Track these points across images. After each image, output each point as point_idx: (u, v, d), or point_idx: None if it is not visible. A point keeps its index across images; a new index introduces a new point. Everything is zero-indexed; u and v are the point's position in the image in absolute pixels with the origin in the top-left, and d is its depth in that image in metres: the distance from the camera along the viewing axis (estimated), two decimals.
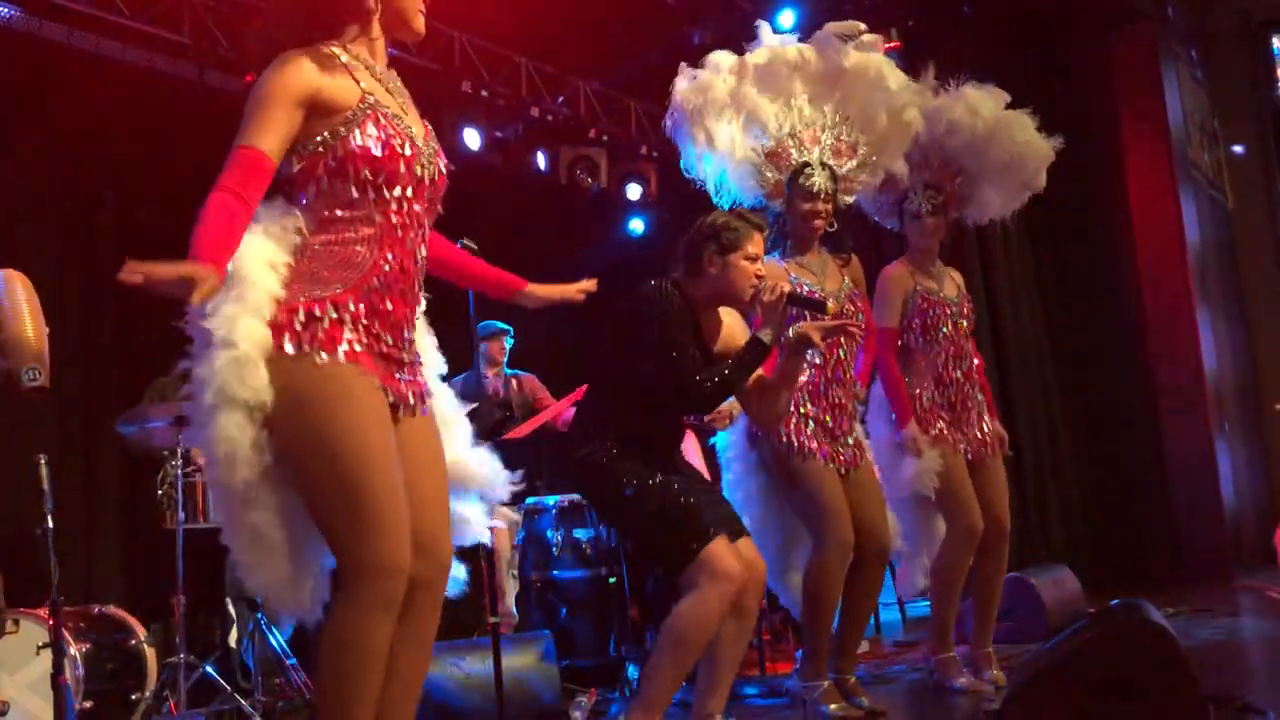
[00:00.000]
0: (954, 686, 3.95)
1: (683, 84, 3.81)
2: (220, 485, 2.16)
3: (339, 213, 2.23)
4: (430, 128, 2.41)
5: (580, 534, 4.52)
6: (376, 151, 2.21)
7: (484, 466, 2.56)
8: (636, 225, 8.23)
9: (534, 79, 7.05)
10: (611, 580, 4.42)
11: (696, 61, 3.86)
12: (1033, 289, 7.30)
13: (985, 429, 4.13)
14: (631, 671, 4.53)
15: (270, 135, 2.14)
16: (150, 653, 4.25)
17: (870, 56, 3.92)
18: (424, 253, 2.34)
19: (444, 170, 2.38)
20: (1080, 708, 2.90)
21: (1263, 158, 8.83)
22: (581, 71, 7.30)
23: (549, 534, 4.53)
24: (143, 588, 5.19)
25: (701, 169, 3.90)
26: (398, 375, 2.29)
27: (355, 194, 2.21)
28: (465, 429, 2.57)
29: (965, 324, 4.16)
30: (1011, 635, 5.08)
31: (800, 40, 3.95)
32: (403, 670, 2.28)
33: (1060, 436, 7.15)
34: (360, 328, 2.20)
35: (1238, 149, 8.72)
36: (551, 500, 4.55)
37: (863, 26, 4.00)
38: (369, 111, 2.22)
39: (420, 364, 2.40)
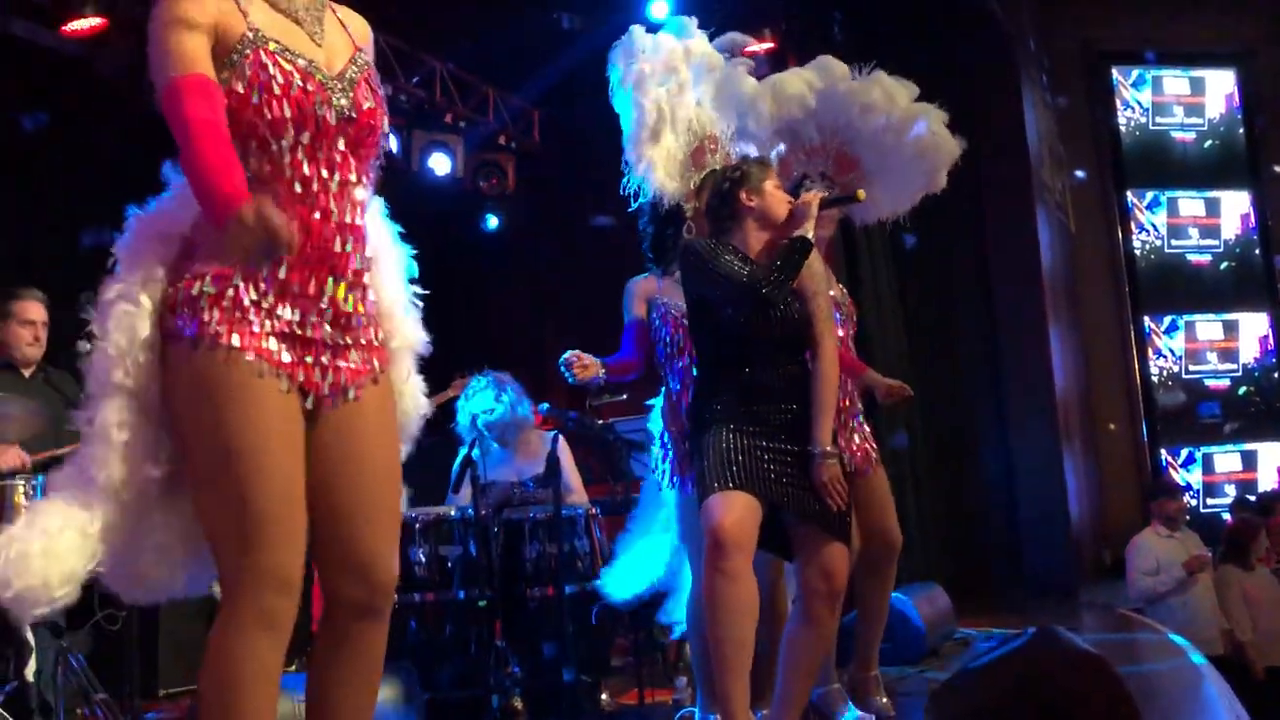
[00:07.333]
0: None
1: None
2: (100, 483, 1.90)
3: None
4: (354, 55, 2.04)
5: (446, 551, 4.08)
6: (253, 98, 1.88)
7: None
8: (491, 220, 7.81)
9: (387, 54, 6.54)
10: (481, 604, 3.98)
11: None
12: (896, 306, 7.27)
13: (861, 438, 3.80)
14: (494, 702, 4.12)
15: (201, 58, 1.86)
16: None
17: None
18: (351, 204, 1.98)
19: (365, 105, 1.99)
20: None
21: (1101, 184, 9.16)
22: (438, 50, 6.83)
23: (411, 551, 4.07)
24: None
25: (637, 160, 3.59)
26: (311, 359, 1.94)
27: (239, 148, 1.88)
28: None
29: (841, 327, 3.84)
30: (890, 657, 4.91)
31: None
32: (343, 709, 2.06)
33: (919, 452, 7.13)
34: (249, 305, 1.89)
35: (1080, 174, 9.00)
36: (414, 514, 4.08)
37: (742, 40, 3.96)
38: (249, 51, 1.89)
39: (361, 340, 2.03)
